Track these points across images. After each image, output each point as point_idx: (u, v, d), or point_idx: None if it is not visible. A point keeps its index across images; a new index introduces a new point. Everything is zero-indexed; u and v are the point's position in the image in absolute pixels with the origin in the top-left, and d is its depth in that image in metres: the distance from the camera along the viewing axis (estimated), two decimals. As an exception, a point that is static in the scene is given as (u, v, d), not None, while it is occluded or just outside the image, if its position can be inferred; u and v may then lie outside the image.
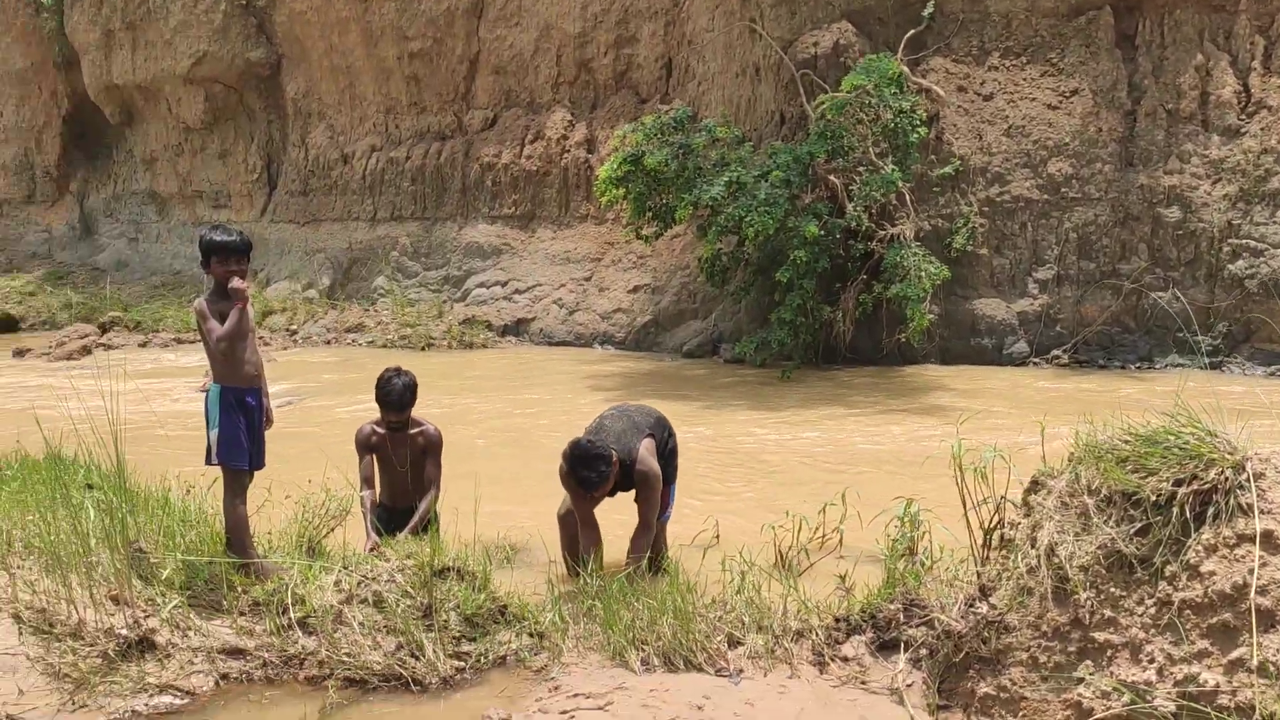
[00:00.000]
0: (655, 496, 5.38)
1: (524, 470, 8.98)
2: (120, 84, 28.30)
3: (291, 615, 4.52)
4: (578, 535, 5.46)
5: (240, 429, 4.89)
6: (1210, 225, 14.74)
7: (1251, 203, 14.56)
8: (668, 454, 5.68)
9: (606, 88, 21.96)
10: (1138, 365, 14.88)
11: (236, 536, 4.90)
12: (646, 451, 5.40)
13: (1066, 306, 15.42)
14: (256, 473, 5.06)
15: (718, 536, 6.32)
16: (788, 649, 4.28)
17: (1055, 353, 15.25)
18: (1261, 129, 14.59)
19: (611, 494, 5.51)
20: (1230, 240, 14.67)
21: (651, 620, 4.42)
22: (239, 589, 4.72)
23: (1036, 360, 15.29)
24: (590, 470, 5.17)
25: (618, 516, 5.69)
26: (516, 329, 21.07)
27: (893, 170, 14.64)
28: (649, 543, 5.41)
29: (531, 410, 12.62)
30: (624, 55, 21.61)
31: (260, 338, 20.13)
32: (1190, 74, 15.13)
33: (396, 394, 5.71)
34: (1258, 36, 14.90)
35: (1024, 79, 15.86)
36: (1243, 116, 14.86)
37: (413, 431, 5.86)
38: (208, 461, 4.93)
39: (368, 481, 5.83)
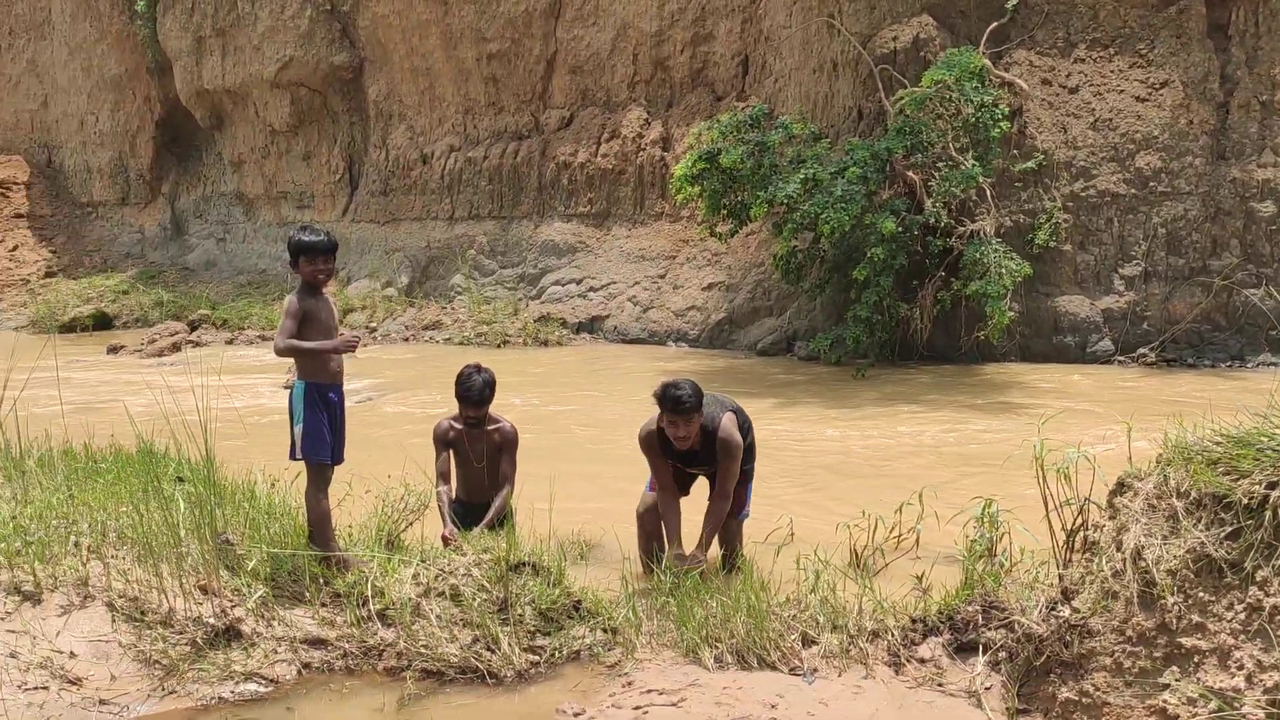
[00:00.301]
0: (735, 466, 5.37)
1: (598, 466, 9.03)
2: (210, 89, 29.07)
3: (371, 607, 4.61)
4: (655, 533, 5.48)
5: (323, 424, 4.99)
6: (1307, 220, 14.23)
7: (1352, 196, 14.03)
8: (746, 447, 5.64)
9: (682, 86, 21.95)
10: (1228, 364, 14.43)
11: (319, 530, 5.00)
12: (729, 422, 5.41)
13: (1154, 304, 15.01)
14: (336, 467, 5.16)
15: (792, 535, 6.28)
16: (863, 649, 4.24)
17: (1142, 351, 14.85)
18: (1363, 119, 14.05)
19: (690, 464, 5.45)
20: (1329, 235, 14.14)
21: (725, 617, 4.42)
22: (321, 581, 4.82)
23: (1122, 359, 14.91)
24: (681, 390, 5.18)
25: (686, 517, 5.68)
26: (591, 326, 21.18)
27: (973, 165, 14.40)
28: (724, 514, 5.39)
29: (604, 406, 12.67)
30: (700, 53, 21.58)
31: (340, 335, 20.51)
32: (1286, 63, 14.63)
33: (476, 390, 5.79)
34: (1359, 23, 14.36)
35: (1111, 71, 15.47)
36: (1343, 107, 14.34)
37: (489, 428, 5.93)
38: (292, 456, 5.04)
39: (444, 477, 5.91)
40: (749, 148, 15.36)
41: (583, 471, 8.77)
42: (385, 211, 26.59)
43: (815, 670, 4.16)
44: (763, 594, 4.54)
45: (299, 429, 4.96)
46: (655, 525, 5.51)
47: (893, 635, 4.28)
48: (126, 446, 6.44)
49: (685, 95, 21.86)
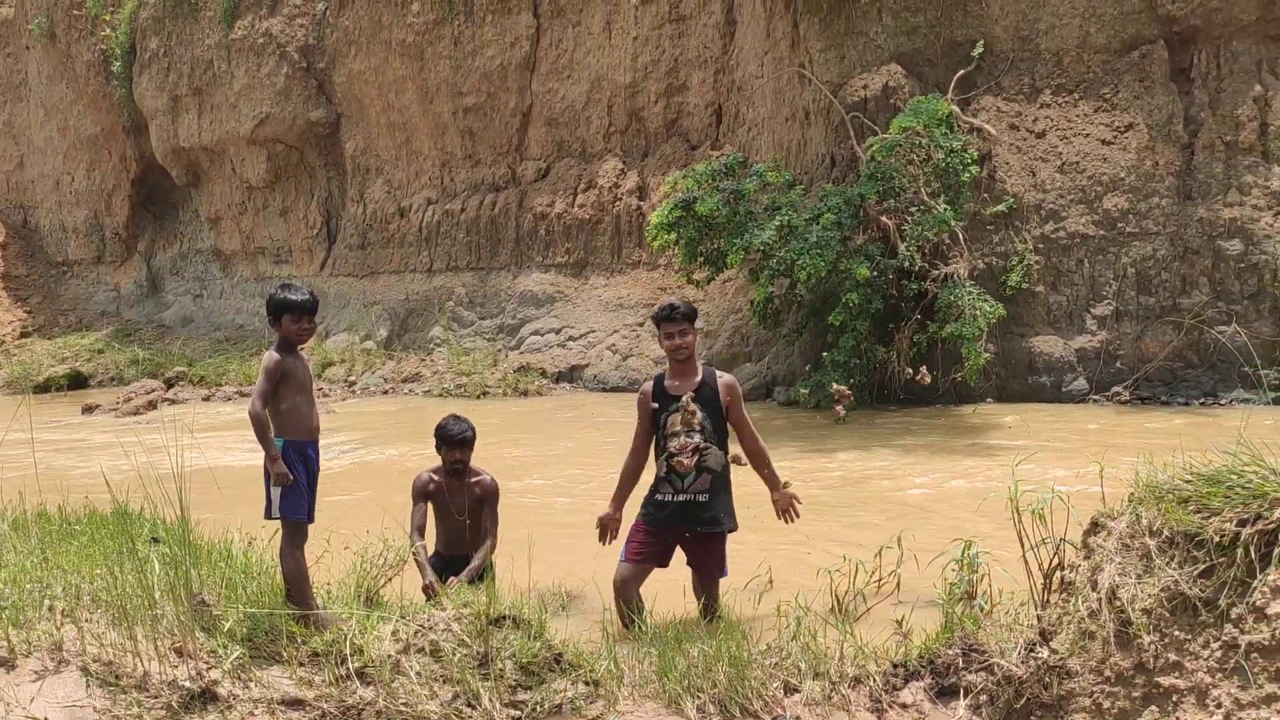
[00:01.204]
0: (741, 405, 5.76)
1: (577, 516, 8.98)
2: (186, 146, 29.18)
3: (350, 665, 4.55)
4: (631, 602, 5.50)
5: (301, 482, 4.97)
6: (1273, 258, 14.46)
7: (1316, 233, 14.27)
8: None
9: (657, 136, 22.20)
10: (1201, 401, 14.56)
11: (297, 588, 4.95)
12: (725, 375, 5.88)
13: (1126, 343, 15.16)
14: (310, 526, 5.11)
15: (771, 581, 6.27)
16: (845, 696, 4.22)
17: (1116, 390, 14.99)
18: (1324, 158, 14.34)
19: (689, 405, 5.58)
20: (1295, 272, 14.36)
21: (707, 667, 4.39)
22: (298, 640, 4.77)
23: (1096, 398, 15.03)
24: (675, 302, 5.80)
25: (661, 577, 5.68)
26: (570, 375, 21.19)
27: (945, 209, 14.59)
28: (763, 451, 5.73)
29: (582, 455, 12.65)
30: (674, 103, 21.86)
31: (319, 389, 20.45)
32: (1249, 105, 14.94)
33: (459, 431, 5.83)
34: (1316, 65, 14.70)
35: (1077, 115, 15.76)
36: (1304, 146, 14.63)
37: (470, 480, 5.92)
38: (267, 515, 5.00)
39: (420, 531, 5.89)
40: (724, 195, 15.53)
41: (562, 522, 8.73)
42: (363, 265, 26.64)
43: (798, 718, 4.14)
44: (744, 642, 4.52)
45: (276, 489, 4.93)
46: (631, 594, 5.55)
47: (874, 681, 4.26)
48: (101, 508, 6.39)
49: (660, 145, 22.10)
